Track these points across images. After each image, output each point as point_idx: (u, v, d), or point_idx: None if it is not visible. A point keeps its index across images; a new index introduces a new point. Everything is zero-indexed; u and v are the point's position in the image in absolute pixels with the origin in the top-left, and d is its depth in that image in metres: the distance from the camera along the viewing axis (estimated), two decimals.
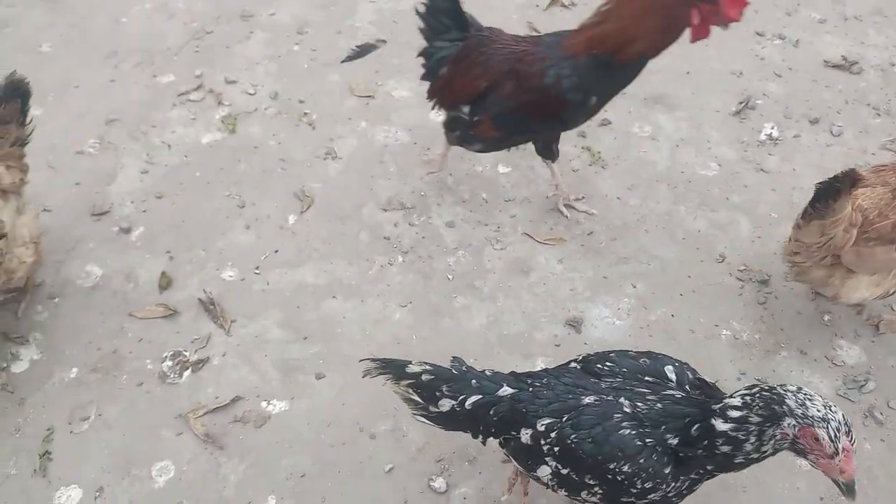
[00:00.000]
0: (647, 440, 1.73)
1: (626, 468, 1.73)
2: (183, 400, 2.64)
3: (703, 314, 2.95)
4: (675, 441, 1.72)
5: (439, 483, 2.44)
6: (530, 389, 1.93)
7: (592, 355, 1.98)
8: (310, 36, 4.28)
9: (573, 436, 1.80)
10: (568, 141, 3.62)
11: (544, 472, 1.91)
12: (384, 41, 4.23)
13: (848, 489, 1.57)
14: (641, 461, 1.72)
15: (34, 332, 2.82)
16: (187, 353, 2.77)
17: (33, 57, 4.09)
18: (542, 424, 1.86)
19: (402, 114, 3.78)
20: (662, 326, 2.90)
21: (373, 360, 2.07)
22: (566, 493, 1.94)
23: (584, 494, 1.88)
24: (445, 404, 1.98)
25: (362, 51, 4.19)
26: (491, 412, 1.94)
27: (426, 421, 2.05)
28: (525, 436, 1.90)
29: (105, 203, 3.29)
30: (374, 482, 2.45)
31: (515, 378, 2.00)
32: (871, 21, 4.33)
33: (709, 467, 1.71)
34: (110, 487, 2.40)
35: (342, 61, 4.09)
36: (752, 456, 1.62)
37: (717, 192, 3.42)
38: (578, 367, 1.97)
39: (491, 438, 2.02)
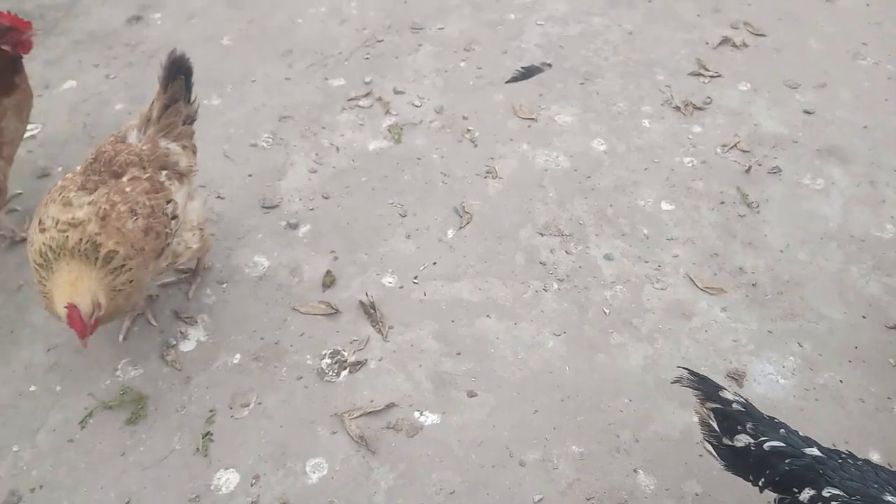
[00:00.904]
0: None
1: None
2: (339, 399, 2.68)
3: (874, 384, 2.78)
4: None
5: None
6: (839, 461, 1.89)
7: None
8: (476, 53, 4.32)
9: None
10: (732, 182, 3.51)
11: None
12: (549, 65, 4.25)
13: None
14: None
15: (202, 314, 2.93)
16: (346, 354, 2.82)
17: (215, 48, 4.31)
18: (829, 492, 1.81)
19: (564, 139, 3.76)
20: (830, 392, 2.75)
21: (690, 371, 2.12)
22: None
23: None
24: (742, 440, 1.98)
25: (528, 73, 4.23)
26: (786, 462, 1.91)
27: (712, 451, 2.07)
28: (805, 495, 1.85)
29: (275, 197, 3.40)
30: None
31: (829, 449, 1.96)
32: None
33: None
34: (266, 477, 2.46)
35: (507, 81, 4.16)
36: None
37: (893, 256, 3.23)
38: None
39: (769, 490, 1.99)
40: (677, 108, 3.95)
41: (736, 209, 3.40)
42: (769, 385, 2.77)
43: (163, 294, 3.00)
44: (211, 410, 2.63)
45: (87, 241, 2.32)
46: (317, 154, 3.64)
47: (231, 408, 2.64)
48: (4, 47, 2.84)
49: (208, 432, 2.57)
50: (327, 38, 4.41)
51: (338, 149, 3.68)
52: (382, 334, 2.89)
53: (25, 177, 3.41)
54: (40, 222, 2.38)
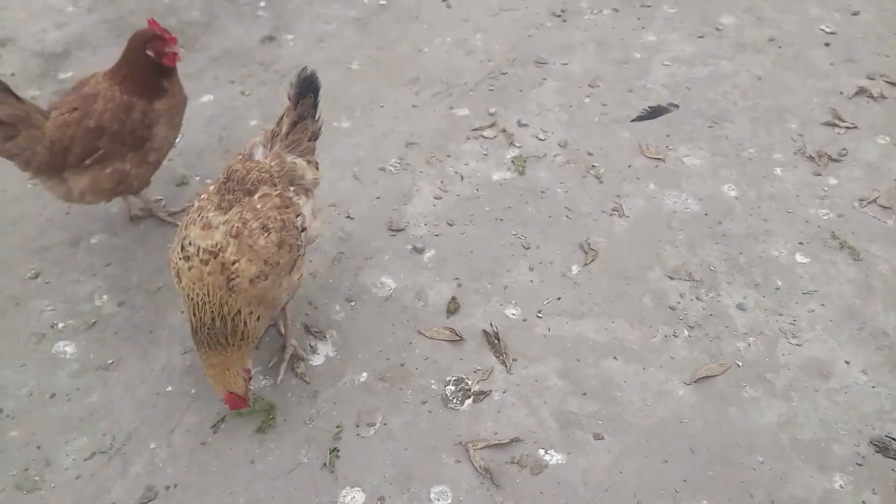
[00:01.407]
0: None
1: None
2: (462, 427, 2.65)
3: None
4: None
5: None
6: None
7: None
8: (601, 90, 4.30)
9: None
10: (872, 238, 3.36)
11: None
12: (677, 105, 4.18)
13: None
14: None
15: (332, 329, 2.96)
16: (469, 382, 2.79)
17: (344, 72, 4.41)
18: None
19: (692, 182, 3.68)
20: None
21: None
22: None
23: None
24: None
25: (654, 112, 4.18)
26: None
27: None
28: None
29: (401, 221, 3.43)
30: None
31: None
32: None
33: None
34: (391, 499, 2.44)
35: (633, 119, 4.11)
36: None
37: None
38: None
39: None
40: (811, 158, 3.83)
41: (876, 267, 3.25)
42: None
43: (294, 308, 3.04)
44: (338, 427, 2.64)
45: (219, 316, 2.36)
46: (442, 181, 3.66)
47: (357, 426, 2.64)
48: (149, 52, 2.94)
49: (335, 448, 2.57)
50: (453, 68, 4.46)
51: (462, 177, 3.69)
52: (506, 366, 2.85)
53: (165, 184, 3.54)
54: (182, 248, 2.43)
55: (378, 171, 3.72)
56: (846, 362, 2.89)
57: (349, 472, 2.51)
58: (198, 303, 2.36)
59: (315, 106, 2.85)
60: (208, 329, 2.37)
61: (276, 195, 2.58)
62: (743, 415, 2.72)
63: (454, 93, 4.27)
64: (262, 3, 4.98)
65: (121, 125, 2.89)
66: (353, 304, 3.06)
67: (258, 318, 2.46)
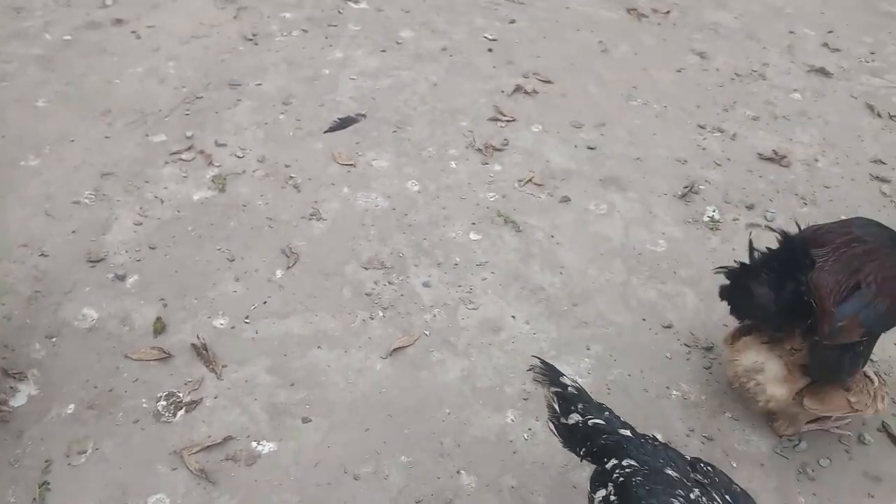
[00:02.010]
0: None
1: None
2: (177, 437, 2.79)
3: (655, 376, 3.25)
4: None
5: None
6: (641, 440, 2.25)
7: (703, 460, 2.26)
8: (294, 107, 4.59)
9: (639, 478, 2.10)
10: (529, 212, 3.97)
11: (600, 494, 2.19)
12: (364, 115, 4.58)
13: None
14: None
15: (32, 368, 2.95)
16: (181, 395, 2.94)
17: (29, 111, 4.29)
18: (626, 462, 2.17)
19: (381, 182, 4.09)
20: (620, 385, 3.19)
21: (542, 360, 2.42)
22: None
23: None
24: (573, 418, 2.30)
25: (344, 123, 4.55)
26: (602, 437, 2.25)
27: (553, 429, 2.37)
28: (609, 464, 2.21)
29: (100, 251, 3.47)
30: None
31: (640, 433, 2.31)
32: (798, 121, 4.87)
33: None
34: None
35: (325, 131, 4.45)
36: None
37: (665, 266, 3.78)
38: (688, 458, 2.25)
39: (588, 461, 2.32)
40: (479, 150, 4.39)
41: (534, 235, 3.85)
42: None
43: None
44: (47, 461, 2.66)
45: None
46: (141, 207, 3.74)
47: (68, 456, 2.69)
48: None
49: (45, 482, 2.60)
50: (146, 96, 4.52)
51: (162, 201, 3.80)
52: (216, 373, 3.03)
53: None
54: None
55: (72, 204, 3.70)
56: (513, 317, 3.42)
57: (62, 502, 2.56)
58: None
59: None
60: None
61: None
62: (432, 376, 3.14)
63: (149, 120, 4.33)
64: None
65: None
66: (54, 340, 3.07)
67: None
